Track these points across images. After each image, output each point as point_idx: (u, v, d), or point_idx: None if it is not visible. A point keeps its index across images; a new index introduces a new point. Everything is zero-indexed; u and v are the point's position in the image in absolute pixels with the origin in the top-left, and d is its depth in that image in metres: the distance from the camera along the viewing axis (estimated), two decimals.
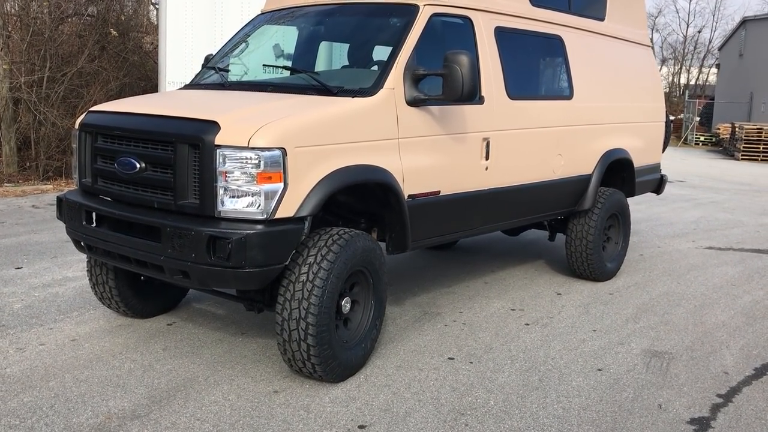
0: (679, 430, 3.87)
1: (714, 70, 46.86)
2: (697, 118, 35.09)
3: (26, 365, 4.33)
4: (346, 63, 5.43)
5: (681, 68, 51.30)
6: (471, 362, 4.66)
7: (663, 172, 8.04)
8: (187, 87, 5.46)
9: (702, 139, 32.49)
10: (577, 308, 5.94)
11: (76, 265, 6.52)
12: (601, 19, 6.86)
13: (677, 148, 28.57)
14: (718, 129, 31.64)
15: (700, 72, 51.62)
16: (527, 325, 5.45)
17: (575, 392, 4.29)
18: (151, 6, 18.35)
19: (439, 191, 4.89)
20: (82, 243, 4.57)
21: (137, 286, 5.08)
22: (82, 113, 4.86)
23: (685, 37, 52.39)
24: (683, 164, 21.28)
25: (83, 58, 12.71)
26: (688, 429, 3.89)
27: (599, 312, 5.87)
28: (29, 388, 4.03)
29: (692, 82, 50.36)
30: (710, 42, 51.98)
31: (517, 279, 6.77)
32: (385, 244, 4.76)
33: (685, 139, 32.73)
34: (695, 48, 52.58)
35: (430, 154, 4.79)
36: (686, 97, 39.13)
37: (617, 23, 7.08)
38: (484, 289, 6.36)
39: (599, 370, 4.65)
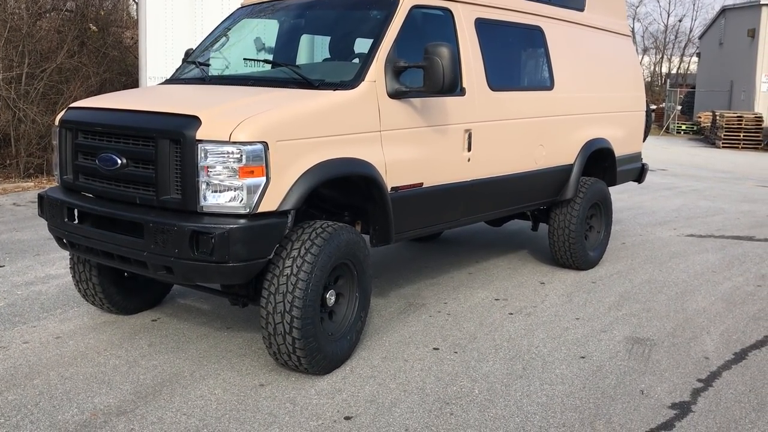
0: (660, 415, 3.93)
1: (695, 59, 47.19)
2: (679, 107, 35.34)
3: (10, 363, 4.31)
4: (328, 56, 5.43)
5: (662, 57, 51.64)
6: (456, 352, 4.70)
7: (644, 161, 8.11)
8: (167, 82, 5.43)
9: (683, 127, 32.74)
10: (561, 297, 6.00)
11: (58, 263, 6.49)
12: (581, 9, 6.90)
13: (659, 137, 28.78)
14: (699, 117, 31.89)
15: (681, 61, 51.99)
16: (511, 314, 5.50)
17: (559, 380, 4.34)
18: (131, 0, 18.20)
19: (422, 183, 4.91)
20: (64, 240, 4.54)
21: (121, 283, 5.07)
22: (62, 110, 4.83)
23: (666, 26, 52.79)
24: (665, 153, 21.45)
25: (62, 54, 12.58)
26: (669, 414, 3.95)
27: (582, 300, 5.93)
28: (13, 386, 4.01)
29: (673, 71, 50.71)
30: (691, 31, 52.44)
31: (501, 269, 6.82)
32: (368, 237, 4.78)
33: (667, 128, 32.97)
34: (676, 37, 52.98)
35: (412, 146, 4.81)
36: (668, 86, 39.40)
37: (597, 13, 7.12)
38: (468, 280, 6.40)
39: (582, 357, 4.70)
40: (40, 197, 4.66)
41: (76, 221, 4.41)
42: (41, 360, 4.38)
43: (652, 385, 4.32)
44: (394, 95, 4.61)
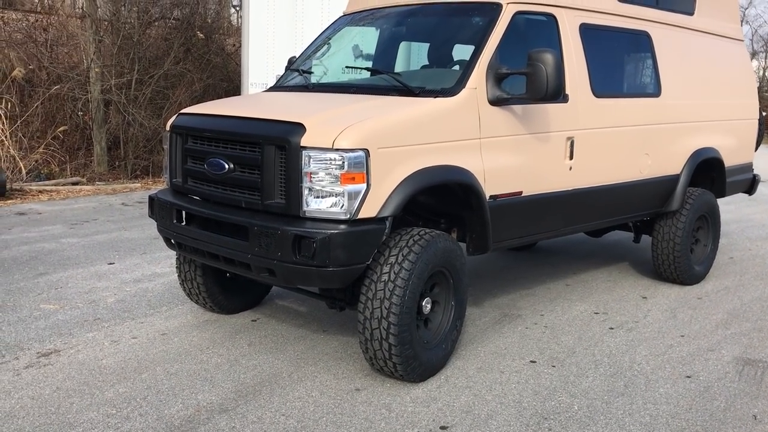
0: None
1: None
2: None
3: (120, 357, 4.53)
4: (425, 63, 5.42)
5: None
6: (553, 366, 4.59)
7: (755, 172, 7.69)
8: (271, 89, 5.58)
9: None
10: (664, 312, 5.76)
11: (164, 262, 6.77)
12: (691, 13, 6.61)
13: None
14: None
15: None
16: (611, 329, 5.32)
17: (663, 399, 4.16)
18: (232, 9, 18.84)
19: (522, 192, 4.83)
20: (172, 241, 4.73)
21: (223, 283, 5.23)
22: (168, 114, 5.06)
23: None
24: None
25: (169, 61, 13.18)
26: None
27: (687, 317, 5.67)
28: (124, 379, 4.21)
29: None
30: None
31: (600, 281, 6.61)
32: (465, 245, 4.74)
33: None
34: None
35: (512, 154, 4.74)
36: None
37: (707, 17, 6.81)
38: (565, 292, 6.24)
39: (688, 377, 4.49)
40: (151, 199, 4.88)
41: (185, 223, 4.59)
42: (148, 355, 4.57)
43: (766, 410, 4.07)
44: (495, 102, 4.55)
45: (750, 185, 7.61)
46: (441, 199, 4.63)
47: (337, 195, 3.89)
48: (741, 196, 8.50)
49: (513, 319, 5.45)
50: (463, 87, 4.46)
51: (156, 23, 14.22)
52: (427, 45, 5.53)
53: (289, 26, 10.21)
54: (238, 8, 17.88)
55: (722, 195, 7.01)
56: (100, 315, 5.29)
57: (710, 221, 6.78)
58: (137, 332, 4.97)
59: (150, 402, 3.93)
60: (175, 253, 5.08)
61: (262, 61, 10.22)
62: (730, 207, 10.65)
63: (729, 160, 6.92)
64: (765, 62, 48.51)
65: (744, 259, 7.77)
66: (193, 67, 13.98)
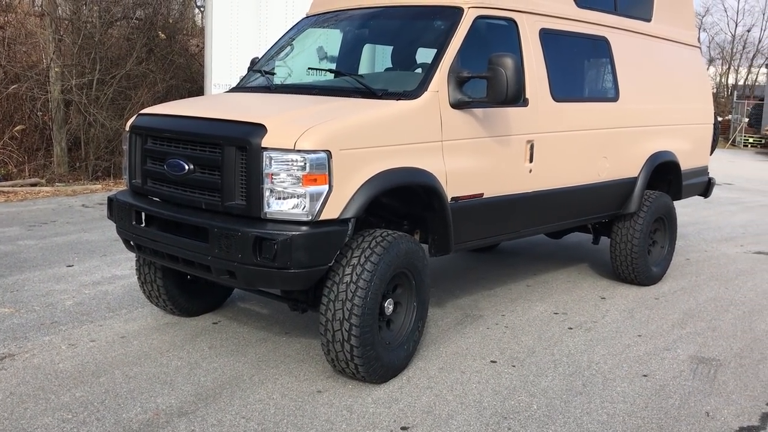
0: None
1: (763, 69, 45.64)
2: (746, 119, 34.22)
3: (78, 361, 4.45)
4: (389, 65, 5.45)
5: (729, 68, 50.08)
6: (513, 366, 4.64)
7: (711, 175, 7.88)
8: (234, 90, 5.55)
9: (751, 140, 31.68)
10: (622, 313, 5.87)
11: (124, 264, 6.68)
12: (648, 19, 6.76)
13: (725, 150, 27.91)
14: (767, 131, 30.82)
15: (749, 72, 50.31)
16: (570, 329, 5.41)
17: (620, 398, 4.24)
18: (196, 9, 18.68)
19: (483, 194, 4.88)
20: (131, 242, 4.68)
21: (184, 285, 5.18)
22: (130, 115, 5.00)
23: (733, 36, 51.11)
24: (731, 166, 20.79)
25: (131, 61, 13.00)
26: None
27: (644, 317, 5.79)
28: (81, 383, 4.15)
29: (740, 83, 49.11)
30: (760, 41, 50.68)
31: (560, 282, 6.71)
32: (427, 246, 4.77)
33: (733, 141, 31.96)
34: (744, 47, 51.24)
35: (473, 156, 4.79)
36: (734, 98, 38.20)
37: (664, 24, 6.97)
38: (526, 292, 6.32)
39: (644, 376, 4.58)
40: (110, 200, 4.81)
41: (144, 224, 4.54)
42: (107, 358, 4.51)
43: (719, 407, 4.18)
44: (456, 105, 4.60)
45: (706, 188, 7.79)
46: (403, 200, 4.65)
47: (298, 196, 3.89)
48: (697, 199, 8.69)
49: (474, 320, 5.50)
50: (425, 90, 4.49)
51: (118, 23, 14.01)
52: (391, 47, 5.57)
53: (253, 27, 10.17)
54: (201, 9, 17.73)
55: (679, 198, 7.16)
56: (58, 318, 5.20)
57: (667, 223, 6.93)
58: (96, 335, 4.89)
59: (108, 406, 3.88)
60: (135, 255, 5.02)
61: (226, 62, 10.16)
62: (687, 209, 10.89)
63: (685, 164, 7.08)
64: (722, 69, 49.68)
65: (700, 260, 7.95)
66: (156, 68, 13.81)
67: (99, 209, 9.43)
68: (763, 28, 73.67)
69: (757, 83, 48.87)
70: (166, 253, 4.38)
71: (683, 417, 4.03)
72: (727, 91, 47.44)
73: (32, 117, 12.37)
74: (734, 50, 50.65)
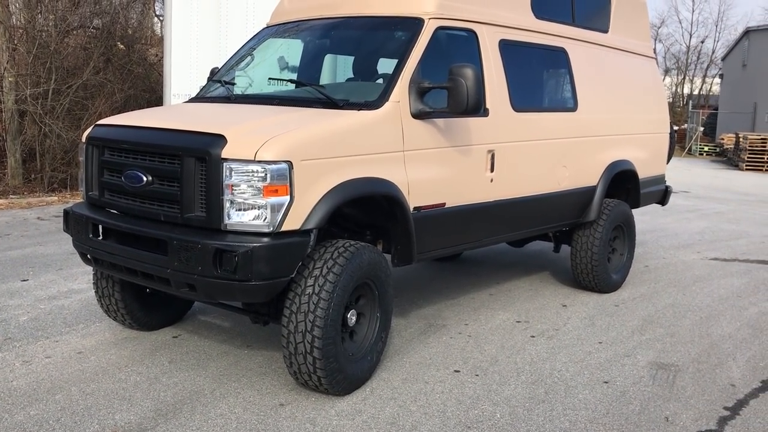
0: None
1: (717, 80, 46.87)
2: (701, 128, 35.09)
3: (32, 378, 4.33)
4: (351, 75, 5.45)
5: (684, 78, 51.33)
6: (477, 375, 4.66)
7: (668, 183, 8.04)
8: (193, 100, 5.49)
9: (706, 149, 32.49)
10: (583, 320, 5.93)
11: (81, 278, 6.54)
12: (605, 31, 6.88)
13: (681, 159, 28.55)
14: (722, 139, 31.63)
15: (703, 82, 51.64)
16: (533, 337, 5.45)
17: (582, 405, 4.28)
18: (156, 18, 18.47)
19: (445, 203, 4.90)
20: (88, 256, 4.57)
21: (143, 299, 5.09)
22: (87, 125, 4.89)
23: (688, 47, 52.43)
24: (687, 174, 21.27)
25: (88, 71, 12.79)
26: None
27: (605, 324, 5.86)
28: (36, 401, 4.03)
29: (695, 92, 50.37)
30: (713, 52, 51.97)
31: (522, 291, 6.76)
32: (390, 256, 4.76)
33: (689, 150, 32.73)
34: (698, 58, 52.60)
35: (435, 166, 4.80)
36: (689, 107, 39.16)
37: (621, 35, 7.10)
38: (489, 301, 6.36)
39: (605, 382, 4.63)
40: (66, 213, 4.71)
41: (101, 237, 4.45)
42: (63, 375, 4.40)
43: (677, 412, 4.24)
44: (417, 116, 4.61)
45: (663, 196, 7.94)
46: (366, 210, 4.64)
47: (259, 207, 3.85)
48: (655, 207, 8.88)
49: (438, 329, 5.51)
50: (387, 100, 4.50)
51: (74, 32, 13.78)
52: (352, 58, 5.57)
53: (213, 37, 10.08)
54: (161, 18, 17.53)
55: (637, 206, 7.29)
56: (11, 334, 5.06)
57: (626, 231, 7.04)
58: (51, 351, 4.77)
59: (63, 424, 3.78)
60: (92, 268, 4.91)
61: (186, 71, 10.05)
62: (645, 217, 11.09)
63: (643, 172, 7.21)
64: (677, 79, 50.87)
65: (658, 267, 8.10)
66: (114, 77, 13.61)
67: (55, 222, 9.23)
68: (717, 39, 75.70)
69: (711, 93, 50.20)
70: (124, 267, 4.30)
71: (643, 422, 4.08)
72: (683, 101, 48.64)
73: None
74: (689, 61, 51.96)
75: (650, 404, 4.33)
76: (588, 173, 6.44)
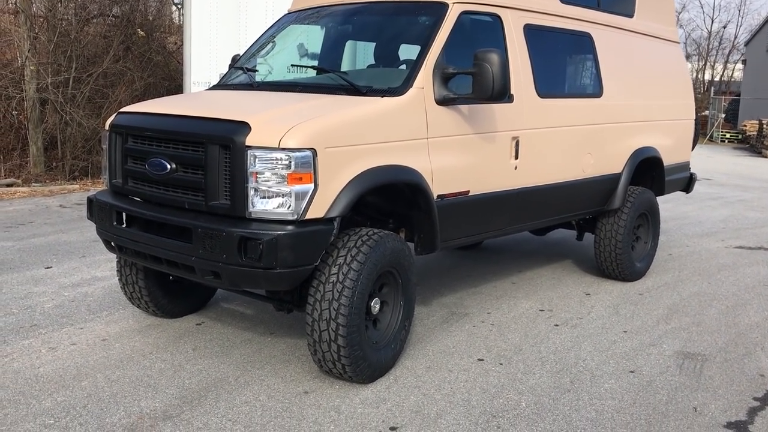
0: None
1: (739, 66, 46.14)
2: (723, 115, 34.60)
3: (59, 365, 4.36)
4: (371, 62, 5.40)
5: (705, 64, 50.59)
6: (501, 363, 4.62)
7: (692, 171, 7.92)
8: (215, 87, 5.47)
9: (728, 136, 32.06)
10: (607, 309, 5.87)
11: (104, 265, 6.57)
12: (631, 15, 6.77)
13: (702, 146, 28.18)
14: (745, 126, 31.17)
15: (725, 68, 50.85)
16: (557, 326, 5.40)
17: (608, 394, 4.23)
18: (174, 6, 18.47)
19: (468, 191, 4.85)
20: (112, 243, 4.59)
21: (166, 286, 5.10)
22: (107, 113, 4.91)
23: (709, 32, 51.60)
24: (710, 162, 21.00)
25: (108, 59, 12.82)
26: None
27: (629, 312, 5.80)
28: (62, 387, 4.06)
29: (717, 79, 49.65)
30: (735, 37, 51.09)
31: (545, 279, 6.71)
32: (413, 245, 4.73)
33: (711, 136, 32.31)
34: (720, 44, 51.74)
35: (459, 153, 4.75)
36: (711, 94, 38.62)
37: (646, 20, 6.98)
38: (511, 290, 6.31)
39: (631, 372, 4.58)
40: (89, 200, 4.72)
41: (125, 225, 4.45)
42: (88, 362, 4.42)
43: (706, 402, 4.19)
44: (441, 102, 4.56)
45: (687, 183, 7.83)
46: (389, 198, 4.61)
47: (283, 195, 3.83)
48: (677, 194, 8.75)
49: (460, 318, 5.47)
50: (410, 86, 4.45)
51: (94, 20, 13.81)
52: (373, 44, 5.51)
53: (232, 24, 10.06)
54: (179, 6, 17.53)
55: (662, 193, 7.19)
56: (37, 321, 5.09)
57: (650, 219, 6.95)
58: (76, 338, 4.80)
59: (90, 410, 3.80)
60: (115, 256, 4.93)
61: (205, 59, 10.05)
62: (668, 205, 10.96)
63: (668, 159, 7.11)
64: (698, 65, 50.14)
65: (682, 255, 8.00)
66: (134, 66, 13.64)
67: (77, 209, 9.28)
68: (739, 24, 74.56)
69: (733, 79, 49.43)
70: (148, 254, 4.30)
71: (671, 413, 4.03)
72: (704, 87, 47.93)
73: (7, 116, 12.16)
74: (710, 46, 51.12)
75: (678, 394, 4.28)
76: (613, 160, 6.35)
